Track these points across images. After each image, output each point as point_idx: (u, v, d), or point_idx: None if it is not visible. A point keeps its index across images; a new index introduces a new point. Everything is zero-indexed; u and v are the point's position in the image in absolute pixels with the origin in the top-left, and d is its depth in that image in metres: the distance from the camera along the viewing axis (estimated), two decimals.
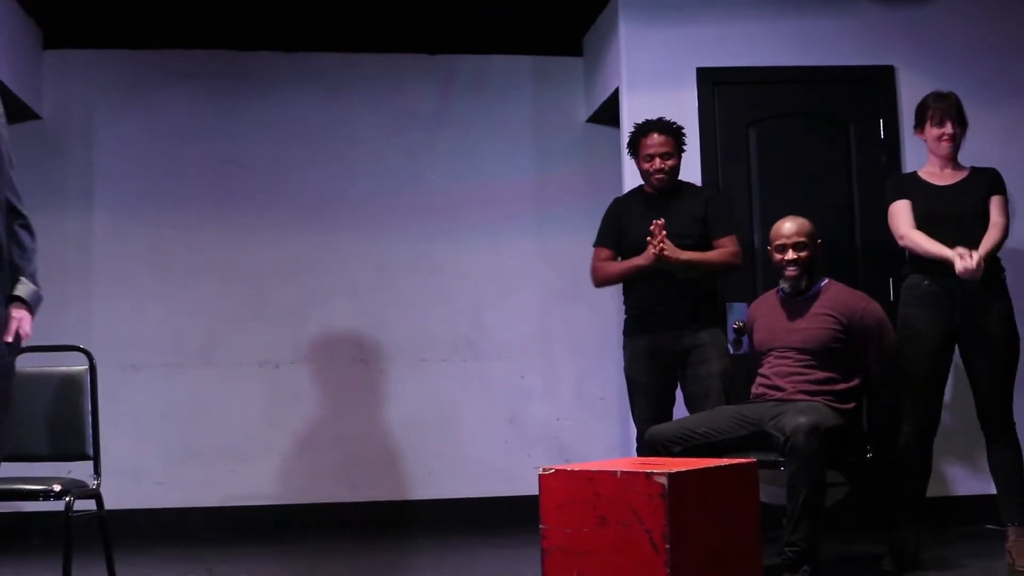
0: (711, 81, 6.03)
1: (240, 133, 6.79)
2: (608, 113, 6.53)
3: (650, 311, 5.09)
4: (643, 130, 5.16)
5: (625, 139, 5.42)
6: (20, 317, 3.00)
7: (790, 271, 4.78)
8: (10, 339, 2.96)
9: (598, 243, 5.30)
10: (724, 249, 5.05)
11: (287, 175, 6.79)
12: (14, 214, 3.13)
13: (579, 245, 5.89)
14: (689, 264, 4.95)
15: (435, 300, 6.80)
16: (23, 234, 3.15)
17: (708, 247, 5.07)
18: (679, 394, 5.16)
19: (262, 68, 6.84)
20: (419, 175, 6.85)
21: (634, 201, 5.29)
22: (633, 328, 5.20)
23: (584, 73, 6.98)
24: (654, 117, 5.23)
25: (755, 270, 5.85)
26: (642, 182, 5.29)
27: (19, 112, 6.31)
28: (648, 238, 4.90)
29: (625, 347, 5.24)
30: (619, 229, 5.23)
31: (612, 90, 6.27)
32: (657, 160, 5.10)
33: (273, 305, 6.69)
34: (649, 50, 6.06)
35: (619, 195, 5.51)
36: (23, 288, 3.04)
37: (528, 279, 6.86)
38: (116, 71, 6.73)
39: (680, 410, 5.13)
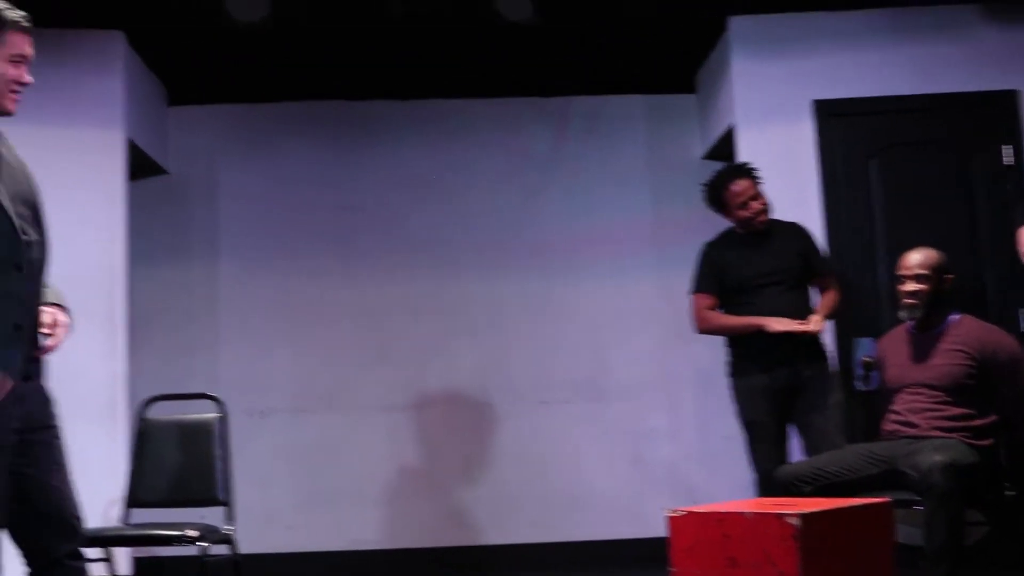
0: (828, 113, 5.97)
1: (360, 180, 6.90)
2: (724, 149, 6.47)
3: (765, 350, 5.00)
4: (724, 181, 5.18)
5: None
6: None
7: (905, 302, 4.72)
8: None
9: (699, 290, 5.24)
10: (835, 293, 5.20)
11: (406, 220, 6.87)
12: None
13: None
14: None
15: (556, 341, 6.80)
16: None
17: (808, 279, 5.19)
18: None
19: (380, 116, 6.95)
20: (536, 217, 6.89)
21: (729, 244, 5.27)
22: (747, 368, 5.09)
23: (698, 110, 6.96)
24: (754, 157, 5.37)
25: (880, 305, 5.74)
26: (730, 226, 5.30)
27: (147, 167, 6.53)
28: (799, 324, 4.91)
29: (737, 389, 5.14)
30: (720, 274, 5.20)
31: (726, 126, 6.23)
32: (752, 203, 5.12)
33: (395, 349, 6.75)
34: (762, 85, 6.03)
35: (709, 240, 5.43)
36: None
37: (648, 318, 6.82)
38: (238, 124, 6.91)
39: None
